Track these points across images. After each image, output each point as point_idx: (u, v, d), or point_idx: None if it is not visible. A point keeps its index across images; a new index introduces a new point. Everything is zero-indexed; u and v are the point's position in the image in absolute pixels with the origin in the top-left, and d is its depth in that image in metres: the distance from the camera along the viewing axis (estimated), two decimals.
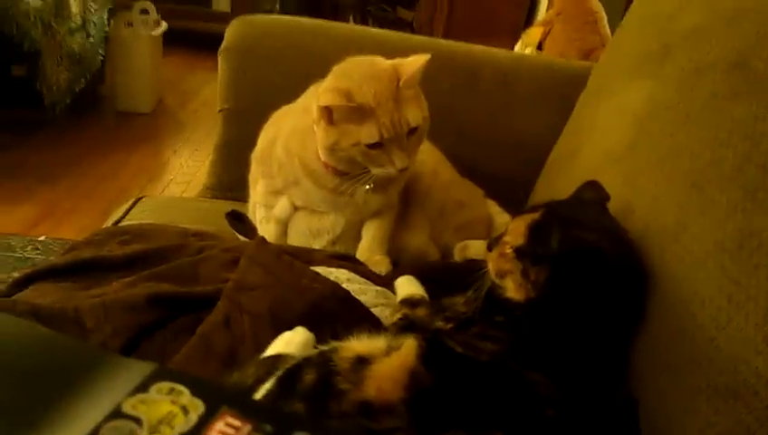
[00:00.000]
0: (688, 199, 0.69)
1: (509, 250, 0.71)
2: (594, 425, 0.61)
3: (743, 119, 0.66)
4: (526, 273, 0.69)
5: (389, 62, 0.95)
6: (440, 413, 0.55)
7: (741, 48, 0.72)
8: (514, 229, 0.73)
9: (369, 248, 1.05)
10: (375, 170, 0.93)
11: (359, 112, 0.89)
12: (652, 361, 0.67)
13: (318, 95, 0.93)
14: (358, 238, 1.07)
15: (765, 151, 0.61)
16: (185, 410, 0.30)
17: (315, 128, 0.95)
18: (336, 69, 0.97)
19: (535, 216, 0.72)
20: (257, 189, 1.13)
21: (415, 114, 0.91)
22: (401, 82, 0.91)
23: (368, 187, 0.97)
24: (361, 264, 0.99)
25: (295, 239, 1.07)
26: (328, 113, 0.91)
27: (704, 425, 0.56)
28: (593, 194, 0.79)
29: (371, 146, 0.90)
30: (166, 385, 0.32)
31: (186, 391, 0.32)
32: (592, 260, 0.67)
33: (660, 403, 0.64)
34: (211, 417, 0.30)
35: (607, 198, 0.78)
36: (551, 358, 0.64)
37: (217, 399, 0.31)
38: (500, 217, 1.20)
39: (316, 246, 1.05)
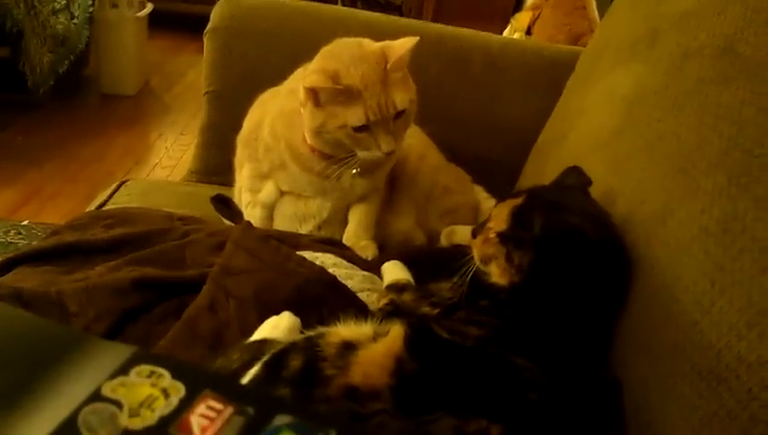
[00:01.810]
0: (674, 184, 0.69)
1: (493, 235, 0.72)
2: (578, 408, 0.61)
3: (729, 104, 0.66)
4: (510, 257, 0.69)
5: (378, 44, 0.94)
6: (425, 399, 0.55)
7: (728, 33, 0.72)
8: (498, 215, 0.74)
9: (355, 233, 1.04)
10: (361, 154, 0.92)
11: (345, 94, 0.88)
12: (636, 345, 0.68)
13: (304, 76, 0.92)
14: (344, 223, 1.06)
15: (751, 136, 0.61)
16: (165, 392, 0.30)
17: (302, 110, 0.94)
18: (324, 50, 0.96)
19: (518, 201, 0.73)
20: (243, 173, 1.12)
21: (402, 97, 0.91)
22: (389, 65, 0.90)
23: (354, 171, 0.97)
24: (348, 248, 0.98)
25: (281, 224, 1.07)
26: (314, 95, 0.90)
27: (687, 409, 0.57)
28: (575, 179, 0.79)
29: (358, 129, 0.89)
30: (146, 368, 0.32)
31: (166, 374, 0.31)
32: (575, 242, 0.67)
33: (643, 387, 0.64)
34: (192, 400, 0.30)
35: (588, 182, 0.78)
36: (535, 342, 0.64)
37: (199, 382, 0.31)
38: (487, 202, 1.20)
39: (302, 231, 1.05)
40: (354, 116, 0.89)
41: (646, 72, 0.88)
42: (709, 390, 0.55)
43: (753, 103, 0.63)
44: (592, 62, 1.17)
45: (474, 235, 0.76)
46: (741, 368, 0.53)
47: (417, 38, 0.92)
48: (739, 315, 0.54)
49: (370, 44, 0.94)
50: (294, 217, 1.06)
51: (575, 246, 0.67)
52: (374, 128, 0.90)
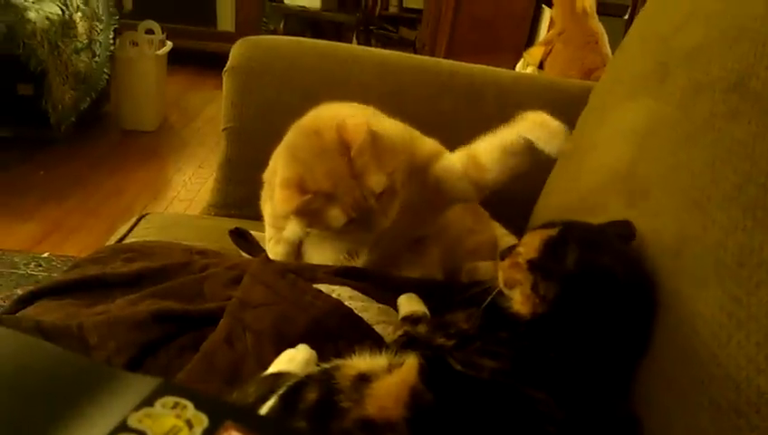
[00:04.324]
0: (689, 218, 0.69)
1: (522, 261, 0.71)
2: None
3: (742, 138, 0.67)
4: (536, 287, 0.69)
5: (335, 128, 0.87)
6: (441, 431, 0.55)
7: (740, 68, 0.72)
8: (529, 242, 0.73)
9: None
10: (356, 236, 0.91)
11: (318, 200, 0.85)
12: (655, 379, 0.67)
13: (275, 189, 0.90)
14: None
15: (764, 170, 0.62)
16: (189, 423, 0.31)
17: None
18: (285, 144, 0.94)
19: (552, 232, 0.72)
20: (266, 210, 1.12)
21: (377, 181, 0.85)
22: (352, 153, 0.84)
23: None
24: (363, 281, 0.98)
25: (328, 258, 1.03)
26: (292, 213, 0.88)
27: None
28: (620, 229, 0.77)
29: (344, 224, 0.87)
30: (170, 400, 0.32)
31: (190, 405, 0.32)
32: (605, 284, 0.66)
33: (663, 422, 0.64)
34: (215, 430, 0.30)
35: (633, 236, 0.76)
36: (553, 375, 0.64)
37: (221, 413, 0.31)
38: (505, 238, 1.19)
39: (360, 260, 1.02)
40: (335, 218, 0.86)
41: (658, 107, 0.88)
42: (730, 424, 0.55)
43: (767, 137, 0.64)
44: (605, 96, 1.19)
45: (502, 258, 0.76)
46: (761, 402, 0.52)
47: (365, 121, 0.86)
48: (757, 349, 0.54)
49: (330, 131, 0.87)
50: (341, 250, 1.01)
51: (604, 287, 0.66)
52: (360, 217, 0.87)
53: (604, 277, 0.67)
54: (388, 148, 0.89)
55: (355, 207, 0.85)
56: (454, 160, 0.99)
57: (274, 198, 0.88)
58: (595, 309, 0.67)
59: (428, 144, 1.06)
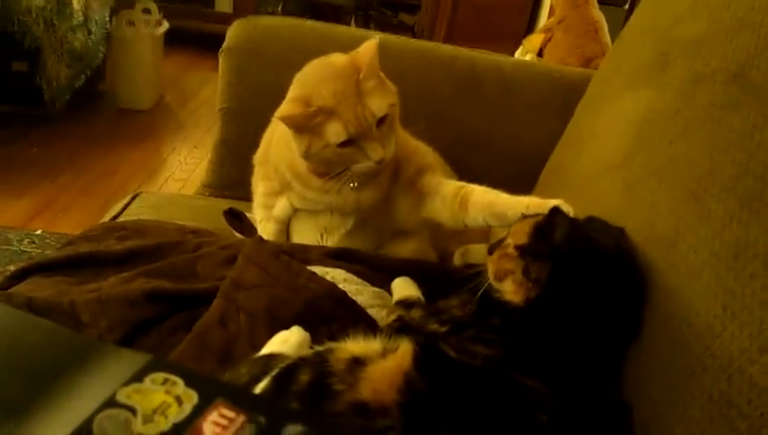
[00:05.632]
0: (685, 208, 0.69)
1: (511, 250, 0.72)
2: (588, 430, 0.61)
3: (740, 129, 0.66)
4: (527, 270, 0.69)
5: (346, 56, 0.94)
6: (433, 418, 0.55)
7: (740, 59, 0.72)
8: (518, 230, 0.74)
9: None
10: (354, 167, 0.92)
11: (320, 115, 0.88)
12: (647, 369, 0.67)
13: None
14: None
15: (762, 162, 0.62)
16: (179, 400, 0.31)
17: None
18: (297, 77, 0.97)
19: (539, 218, 0.73)
20: (258, 191, 1.13)
21: (379, 104, 0.90)
22: (360, 76, 0.90)
23: (351, 184, 0.97)
24: (358, 263, 0.98)
25: (302, 238, 1.07)
26: (290, 123, 0.91)
27: (697, 433, 0.57)
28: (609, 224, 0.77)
29: (342, 145, 0.89)
30: (160, 376, 0.32)
31: (180, 381, 0.32)
32: (594, 259, 0.67)
33: (654, 412, 0.64)
34: (205, 407, 0.30)
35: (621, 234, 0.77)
36: (546, 362, 0.64)
37: (211, 390, 0.31)
38: None
39: (329, 243, 1.05)
40: (334, 133, 0.88)
41: (657, 97, 0.88)
42: (720, 414, 0.55)
43: (765, 129, 0.63)
44: (604, 85, 1.18)
45: (490, 251, 0.76)
46: (752, 392, 0.52)
47: (377, 39, 0.92)
48: (750, 340, 0.54)
49: (339, 60, 0.94)
50: (316, 230, 1.05)
51: (593, 262, 0.67)
52: (358, 140, 0.90)
53: (593, 252, 0.67)
54: (392, 88, 0.95)
55: (355, 125, 0.88)
56: (447, 189, 1.01)
57: (278, 109, 0.91)
58: (586, 286, 0.67)
59: (432, 157, 1.10)
